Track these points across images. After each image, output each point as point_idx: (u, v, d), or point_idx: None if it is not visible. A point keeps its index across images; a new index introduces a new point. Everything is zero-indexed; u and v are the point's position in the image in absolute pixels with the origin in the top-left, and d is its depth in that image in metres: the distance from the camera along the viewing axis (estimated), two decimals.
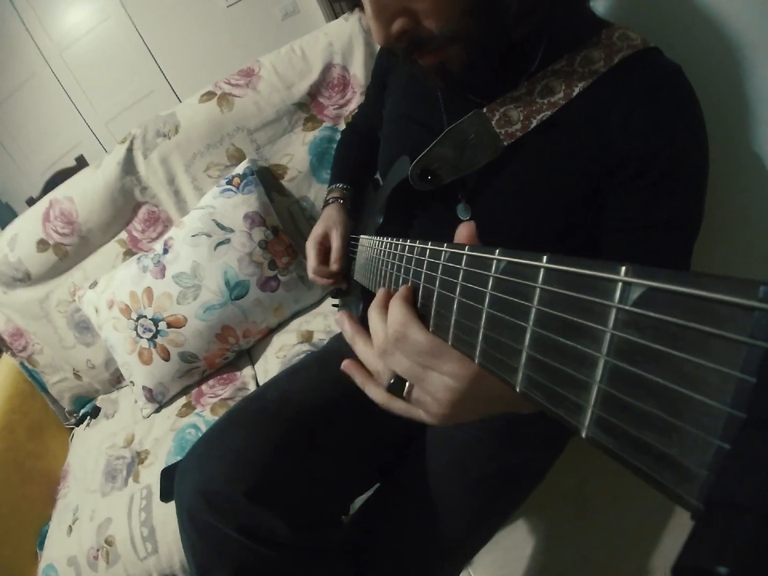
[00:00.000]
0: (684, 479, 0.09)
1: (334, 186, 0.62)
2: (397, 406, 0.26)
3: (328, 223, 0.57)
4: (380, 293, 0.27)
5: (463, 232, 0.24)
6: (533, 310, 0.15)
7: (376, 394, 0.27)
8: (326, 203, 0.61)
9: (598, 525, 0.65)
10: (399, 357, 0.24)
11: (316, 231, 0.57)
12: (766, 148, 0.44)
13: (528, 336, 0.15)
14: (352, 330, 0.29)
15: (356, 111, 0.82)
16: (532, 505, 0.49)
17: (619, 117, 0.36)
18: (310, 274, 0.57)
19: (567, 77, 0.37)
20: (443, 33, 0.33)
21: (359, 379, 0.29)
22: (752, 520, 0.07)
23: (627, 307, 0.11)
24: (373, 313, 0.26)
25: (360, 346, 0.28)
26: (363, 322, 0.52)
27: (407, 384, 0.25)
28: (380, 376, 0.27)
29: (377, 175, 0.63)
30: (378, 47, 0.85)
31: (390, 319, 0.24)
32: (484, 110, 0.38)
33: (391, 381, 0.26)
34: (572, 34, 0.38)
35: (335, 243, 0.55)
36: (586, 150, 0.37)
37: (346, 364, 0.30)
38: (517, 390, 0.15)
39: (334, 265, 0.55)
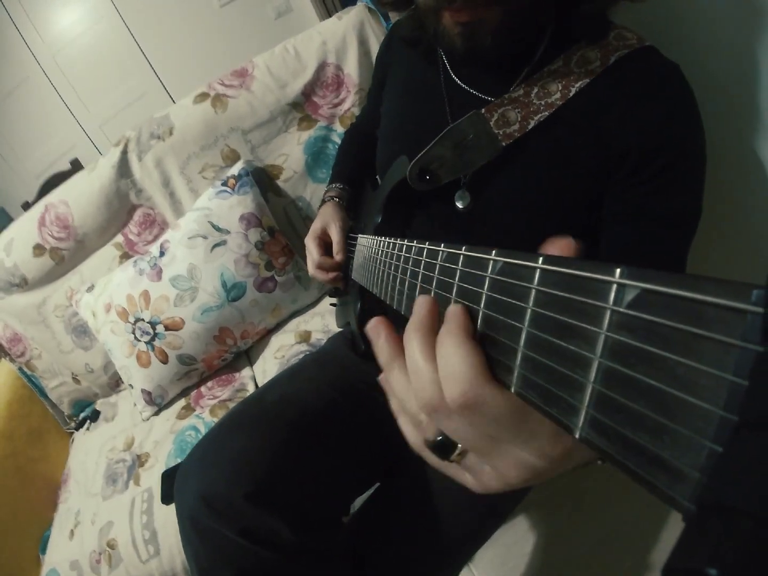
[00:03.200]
0: (676, 481, 0.09)
1: (331, 186, 0.62)
2: (433, 460, 0.20)
3: (326, 219, 0.57)
4: (425, 307, 0.19)
5: (557, 246, 0.16)
6: (528, 310, 0.15)
7: (411, 435, 0.20)
8: (323, 202, 0.61)
9: (597, 520, 0.66)
10: (460, 424, 0.17)
11: (315, 226, 0.57)
12: (764, 147, 0.44)
13: (523, 336, 0.15)
14: (391, 352, 0.20)
15: (356, 111, 0.82)
16: (532, 501, 0.50)
17: (617, 114, 0.36)
18: (312, 269, 0.56)
19: (564, 78, 0.37)
20: None
21: (394, 405, 0.21)
22: (744, 523, 0.07)
23: (621, 309, 0.11)
24: (414, 343, 0.18)
25: (397, 377, 0.20)
26: (362, 322, 0.52)
27: (459, 448, 0.18)
28: (421, 427, 0.19)
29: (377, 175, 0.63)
30: (375, 47, 0.85)
31: (449, 368, 0.16)
32: (483, 111, 0.38)
33: (438, 439, 0.19)
34: (575, 31, 0.37)
35: (335, 236, 0.55)
36: (585, 148, 0.37)
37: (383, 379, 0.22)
38: (512, 390, 0.15)
39: (337, 256, 0.54)
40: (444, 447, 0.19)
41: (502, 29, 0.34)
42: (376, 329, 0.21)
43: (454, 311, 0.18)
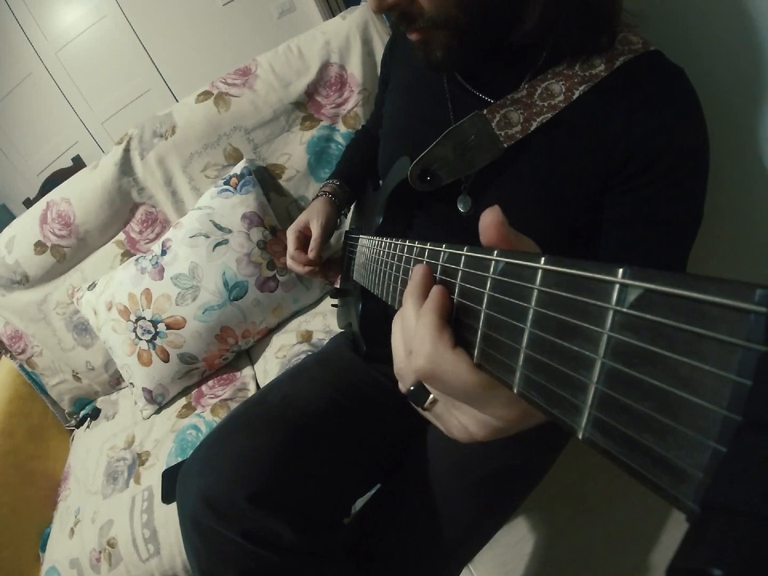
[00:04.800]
0: (680, 481, 0.09)
1: (328, 182, 0.62)
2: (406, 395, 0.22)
3: (311, 213, 0.58)
4: (418, 275, 0.21)
5: (489, 218, 0.19)
6: (531, 311, 0.15)
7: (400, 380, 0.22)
8: (316, 196, 0.61)
9: (598, 522, 0.66)
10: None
11: (299, 219, 0.59)
12: (765, 149, 0.44)
13: (526, 337, 0.15)
14: (412, 290, 0.21)
15: (359, 111, 0.82)
16: (533, 503, 0.50)
17: (620, 118, 0.36)
18: (288, 261, 0.58)
19: (568, 80, 0.37)
20: (433, 17, 0.34)
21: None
22: (748, 523, 0.07)
23: (624, 309, 0.11)
24: (409, 303, 0.21)
25: (400, 320, 0.22)
26: (363, 323, 0.52)
27: (431, 398, 0.21)
28: (401, 374, 0.22)
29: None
30: (378, 47, 0.85)
31: (418, 342, 0.19)
32: (485, 112, 0.38)
33: (411, 388, 0.21)
34: (579, 39, 0.37)
35: (314, 232, 0.56)
36: (587, 151, 0.37)
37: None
38: (515, 391, 0.15)
39: (311, 253, 0.56)
40: (419, 394, 0.22)
41: (451, 47, 0.36)
42: (418, 268, 0.23)
43: (435, 291, 0.20)
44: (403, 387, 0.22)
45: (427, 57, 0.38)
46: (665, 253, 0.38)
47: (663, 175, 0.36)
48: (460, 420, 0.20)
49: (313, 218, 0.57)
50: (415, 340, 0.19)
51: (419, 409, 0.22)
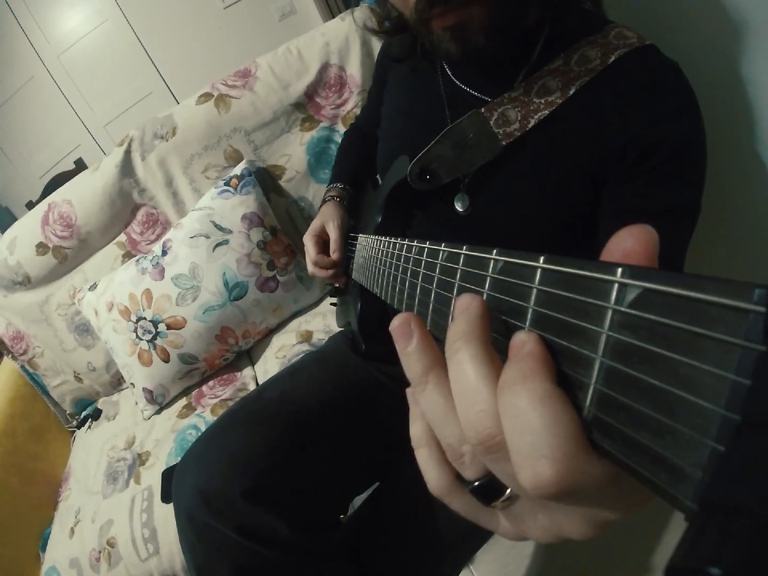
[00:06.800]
0: (678, 480, 0.09)
1: (332, 186, 0.62)
2: (461, 505, 0.15)
3: (324, 217, 0.57)
4: (475, 309, 0.14)
5: (643, 237, 0.12)
6: (530, 310, 0.15)
7: (435, 474, 0.15)
8: (324, 201, 0.61)
9: None
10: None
11: (314, 225, 0.58)
12: (763, 146, 0.44)
13: None
14: (428, 361, 0.15)
15: (359, 112, 0.82)
16: None
17: (616, 111, 0.36)
18: (310, 267, 0.57)
19: (563, 76, 0.37)
20: None
21: (414, 432, 0.16)
22: (746, 522, 0.07)
23: (623, 309, 0.11)
24: (466, 355, 0.13)
25: (431, 397, 0.15)
26: (362, 322, 0.52)
27: (509, 492, 0.14)
28: (460, 462, 0.14)
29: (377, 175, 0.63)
30: (377, 48, 0.85)
31: (533, 437, 0.11)
32: (482, 110, 0.38)
33: (478, 482, 0.14)
34: (571, 29, 0.38)
35: (333, 234, 0.56)
36: (584, 146, 0.37)
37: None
38: None
39: (334, 254, 0.55)
40: (489, 489, 0.14)
41: (492, 27, 0.34)
42: (405, 328, 0.15)
43: (527, 343, 0.12)
44: (449, 481, 0.15)
45: (461, 44, 0.34)
46: (665, 243, 0.37)
47: (659, 167, 0.36)
48: (558, 521, 0.13)
49: (328, 221, 0.56)
50: (525, 431, 0.11)
51: (469, 508, 0.15)
